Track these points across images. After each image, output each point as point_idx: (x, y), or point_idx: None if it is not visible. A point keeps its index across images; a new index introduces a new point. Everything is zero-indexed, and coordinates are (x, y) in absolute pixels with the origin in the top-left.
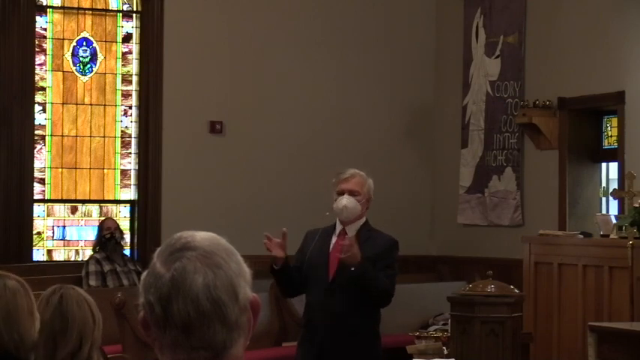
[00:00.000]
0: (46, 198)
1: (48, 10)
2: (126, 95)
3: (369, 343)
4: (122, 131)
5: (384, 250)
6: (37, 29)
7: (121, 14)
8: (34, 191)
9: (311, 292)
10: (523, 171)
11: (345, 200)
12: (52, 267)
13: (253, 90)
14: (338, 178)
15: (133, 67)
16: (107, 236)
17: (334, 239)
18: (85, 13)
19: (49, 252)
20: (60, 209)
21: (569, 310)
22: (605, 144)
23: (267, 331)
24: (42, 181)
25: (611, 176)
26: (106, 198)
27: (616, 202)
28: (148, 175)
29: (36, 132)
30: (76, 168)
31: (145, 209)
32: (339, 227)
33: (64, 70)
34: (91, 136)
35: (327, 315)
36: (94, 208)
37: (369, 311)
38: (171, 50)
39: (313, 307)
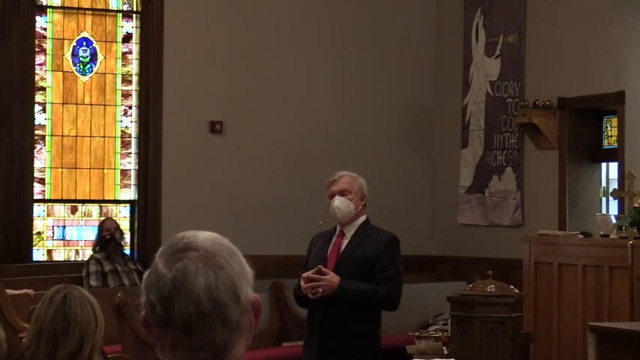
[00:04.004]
0: (46, 198)
1: (48, 10)
2: (126, 95)
3: (367, 345)
4: (122, 131)
5: (384, 249)
6: (37, 29)
7: (121, 14)
8: (34, 191)
9: None
10: (523, 171)
11: (337, 201)
12: (52, 267)
13: (253, 90)
14: (327, 183)
15: (133, 67)
16: (107, 237)
17: (334, 241)
18: (85, 13)
19: (49, 252)
20: (60, 209)
21: (569, 310)
22: (605, 144)
23: (267, 331)
24: (42, 181)
25: (611, 176)
26: (106, 198)
27: (616, 202)
28: (148, 175)
29: (36, 132)
30: (76, 168)
31: (145, 209)
32: (338, 229)
33: (64, 70)
34: (91, 136)
35: (324, 316)
36: (94, 208)
37: (367, 313)
38: (171, 50)
39: (312, 309)
